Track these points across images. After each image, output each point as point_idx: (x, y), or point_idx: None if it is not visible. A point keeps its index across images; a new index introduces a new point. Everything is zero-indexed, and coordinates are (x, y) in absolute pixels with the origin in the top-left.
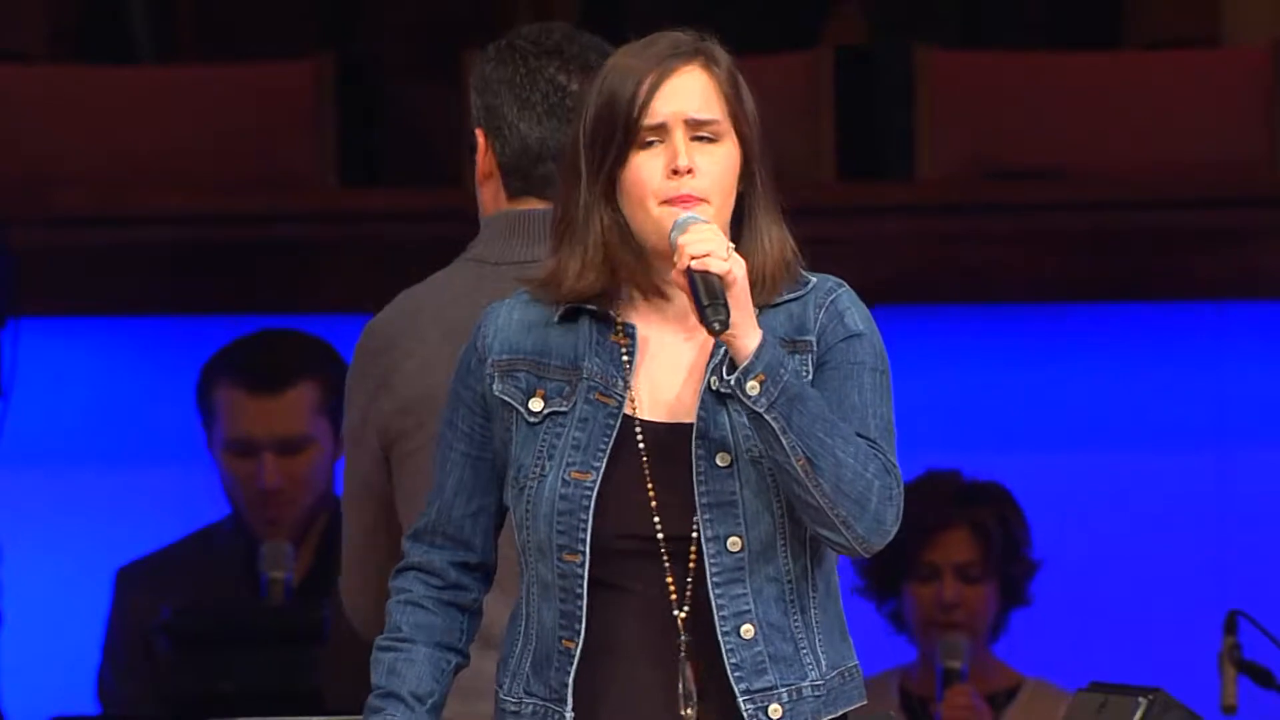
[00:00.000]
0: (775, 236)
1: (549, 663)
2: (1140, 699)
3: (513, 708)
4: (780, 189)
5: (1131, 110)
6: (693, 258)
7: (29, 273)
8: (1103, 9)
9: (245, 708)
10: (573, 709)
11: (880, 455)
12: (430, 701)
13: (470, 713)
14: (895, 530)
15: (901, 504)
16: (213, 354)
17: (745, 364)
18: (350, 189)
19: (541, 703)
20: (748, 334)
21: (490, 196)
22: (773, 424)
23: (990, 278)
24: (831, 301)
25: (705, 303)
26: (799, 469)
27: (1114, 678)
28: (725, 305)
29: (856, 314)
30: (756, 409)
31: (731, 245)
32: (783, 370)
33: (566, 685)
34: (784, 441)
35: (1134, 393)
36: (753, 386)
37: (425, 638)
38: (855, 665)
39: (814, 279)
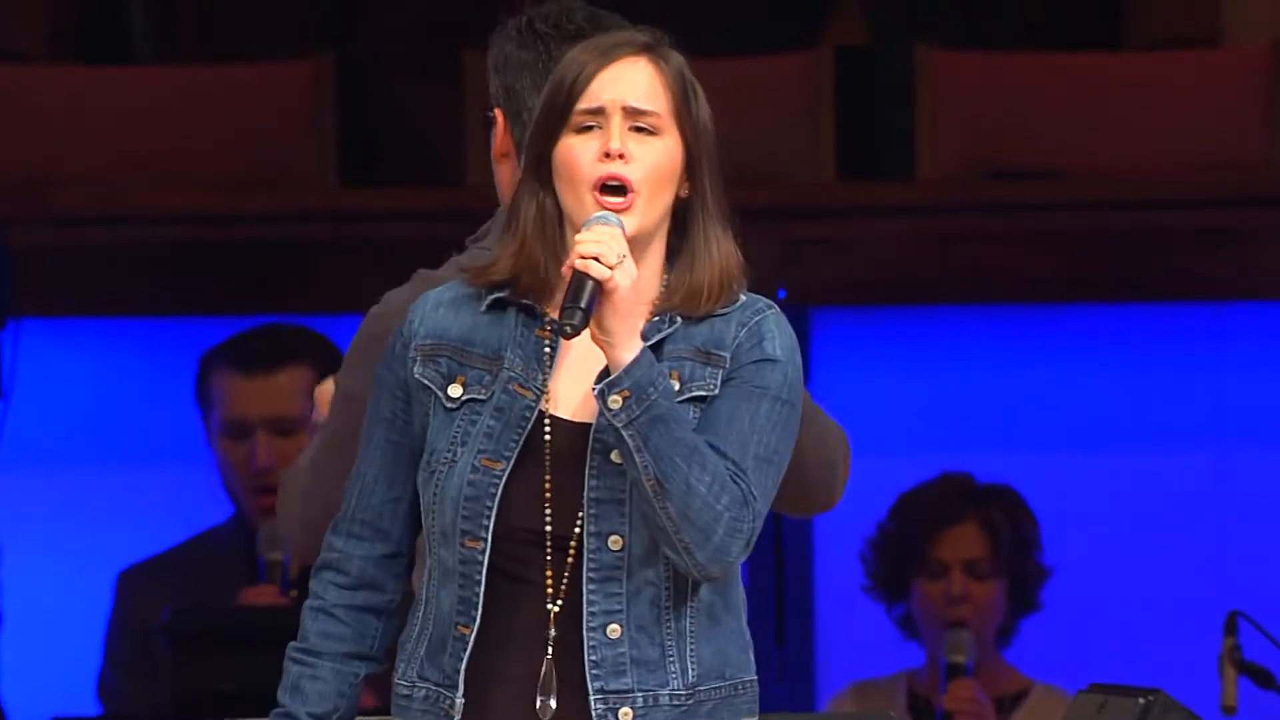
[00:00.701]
0: (723, 249)
1: (444, 648)
2: (1140, 699)
3: (405, 691)
4: (730, 200)
5: (1131, 110)
6: (579, 257)
7: (29, 273)
8: (1103, 9)
9: (245, 708)
10: (464, 695)
11: (741, 486)
12: (333, 718)
13: None
14: (740, 560)
15: (752, 539)
16: (209, 348)
17: (612, 377)
18: (350, 189)
19: (434, 688)
20: (623, 346)
21: (508, 175)
22: (628, 441)
23: (990, 278)
24: (757, 323)
25: (566, 303)
26: (648, 488)
27: (1114, 678)
28: (582, 311)
29: (778, 340)
30: (615, 423)
31: (626, 254)
32: (652, 390)
33: (459, 671)
34: (637, 459)
35: (1134, 393)
36: (615, 400)
37: (333, 649)
38: (750, 680)
39: (744, 297)
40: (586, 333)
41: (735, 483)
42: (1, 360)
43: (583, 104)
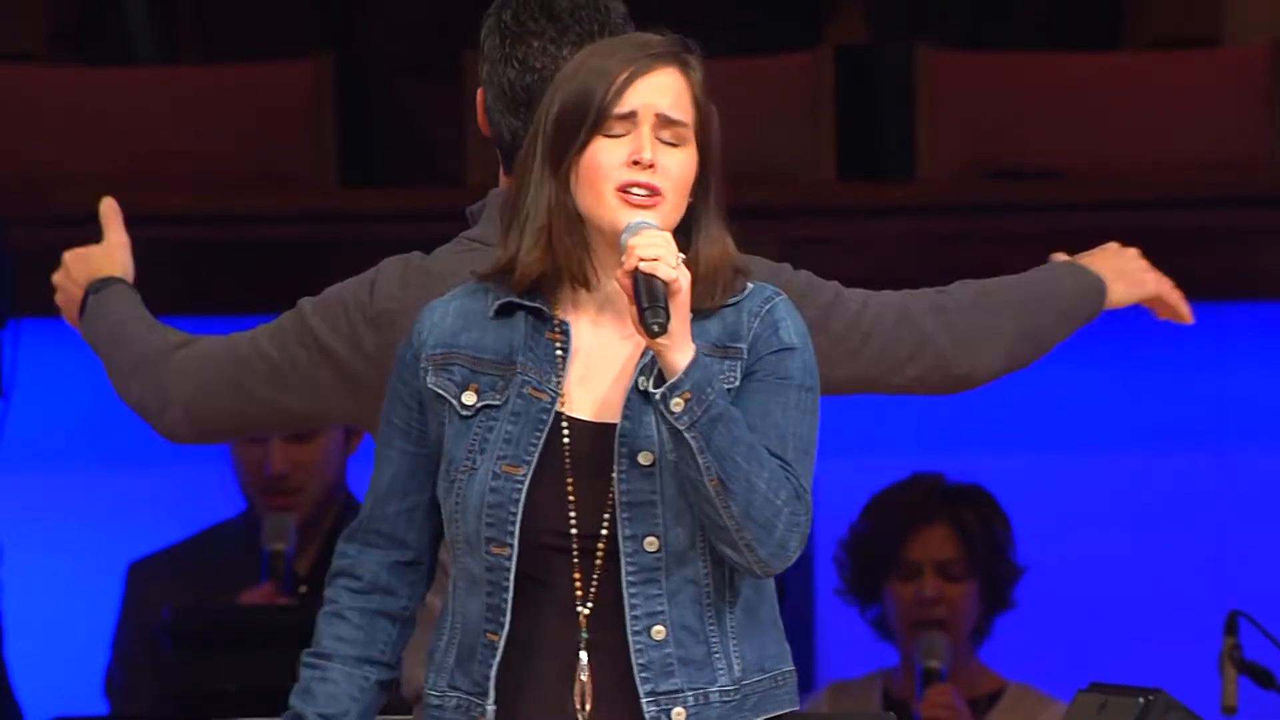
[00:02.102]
0: (722, 246)
1: (473, 655)
2: (1140, 699)
3: (436, 701)
4: (728, 198)
5: (1131, 110)
6: (642, 259)
7: (29, 273)
8: (1103, 9)
9: (246, 708)
10: (494, 701)
11: (793, 481)
12: None
13: None
14: (797, 556)
15: (807, 531)
16: None
17: (673, 380)
18: (350, 189)
19: (465, 696)
20: (681, 348)
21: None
22: (691, 443)
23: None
24: (768, 310)
25: (645, 304)
26: (710, 489)
27: (1114, 678)
28: (665, 309)
29: (791, 326)
30: (678, 426)
31: (681, 256)
32: (710, 390)
33: (489, 678)
34: (699, 461)
35: (1134, 393)
36: (677, 403)
37: (344, 652)
38: (789, 670)
39: (751, 286)
40: (592, 332)
41: (788, 479)
42: (1, 360)
43: (616, 109)
